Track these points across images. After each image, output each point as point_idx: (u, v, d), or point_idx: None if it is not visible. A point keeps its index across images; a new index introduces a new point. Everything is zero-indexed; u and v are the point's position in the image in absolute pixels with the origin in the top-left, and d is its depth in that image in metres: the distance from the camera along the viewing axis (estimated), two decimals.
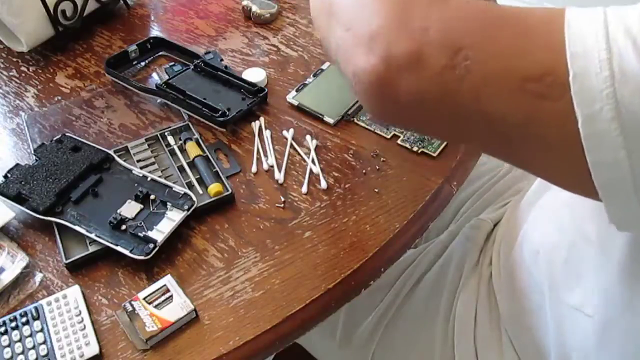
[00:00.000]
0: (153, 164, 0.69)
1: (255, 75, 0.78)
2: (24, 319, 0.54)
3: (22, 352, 0.52)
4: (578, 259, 0.53)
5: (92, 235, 0.59)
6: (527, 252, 0.62)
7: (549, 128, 0.31)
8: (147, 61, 0.85)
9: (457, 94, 0.34)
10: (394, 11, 0.36)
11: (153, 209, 0.62)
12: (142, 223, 0.60)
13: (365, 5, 0.38)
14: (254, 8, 0.90)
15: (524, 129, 0.33)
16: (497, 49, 0.33)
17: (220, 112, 0.73)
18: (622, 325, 0.50)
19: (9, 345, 0.52)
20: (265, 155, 0.70)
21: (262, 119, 0.74)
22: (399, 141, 0.69)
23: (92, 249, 0.60)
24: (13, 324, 0.54)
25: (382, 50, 0.35)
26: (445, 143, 0.68)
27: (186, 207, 0.61)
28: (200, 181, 0.66)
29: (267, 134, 0.72)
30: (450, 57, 0.33)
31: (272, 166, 0.68)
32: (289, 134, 0.72)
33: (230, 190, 0.64)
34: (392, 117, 0.42)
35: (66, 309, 0.55)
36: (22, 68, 0.86)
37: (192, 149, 0.69)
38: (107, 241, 0.59)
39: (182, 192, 0.63)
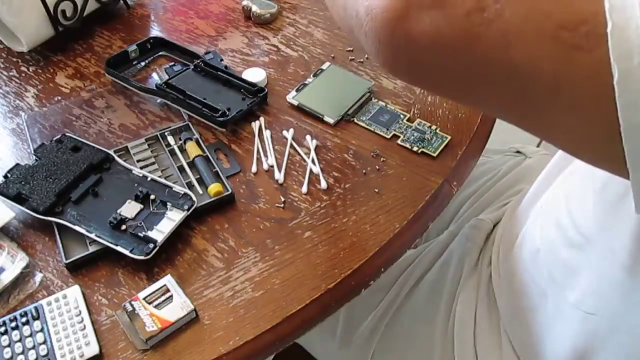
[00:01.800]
0: (153, 164, 0.69)
1: (255, 75, 0.78)
2: (24, 319, 0.54)
3: (22, 352, 0.52)
4: (577, 260, 0.53)
5: (92, 235, 0.59)
6: (526, 252, 0.62)
7: (581, 83, 0.29)
8: (147, 61, 0.85)
9: (483, 40, 0.30)
10: None
11: (153, 209, 0.62)
12: (142, 223, 0.60)
13: None
14: (254, 8, 0.90)
15: (553, 83, 0.30)
16: None
17: (220, 112, 0.73)
18: (622, 324, 0.50)
19: (9, 345, 0.52)
20: (265, 155, 0.70)
21: (262, 119, 0.74)
22: (399, 141, 0.69)
23: (92, 249, 0.60)
24: (13, 324, 0.54)
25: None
26: (445, 143, 0.68)
27: (186, 207, 0.61)
28: (200, 181, 0.66)
29: (267, 134, 0.72)
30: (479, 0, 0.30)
31: (272, 166, 0.68)
32: (289, 134, 0.72)
33: (230, 190, 0.64)
34: (405, 66, 0.36)
35: (66, 309, 0.55)
36: (22, 68, 0.86)
37: (192, 149, 0.69)
38: (107, 241, 0.59)
39: (182, 192, 0.63)
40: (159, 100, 0.78)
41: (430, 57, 0.33)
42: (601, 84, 0.28)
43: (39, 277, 0.58)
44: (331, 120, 0.72)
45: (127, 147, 0.70)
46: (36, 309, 0.55)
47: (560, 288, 0.56)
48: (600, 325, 0.52)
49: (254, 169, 0.68)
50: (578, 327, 0.54)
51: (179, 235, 0.61)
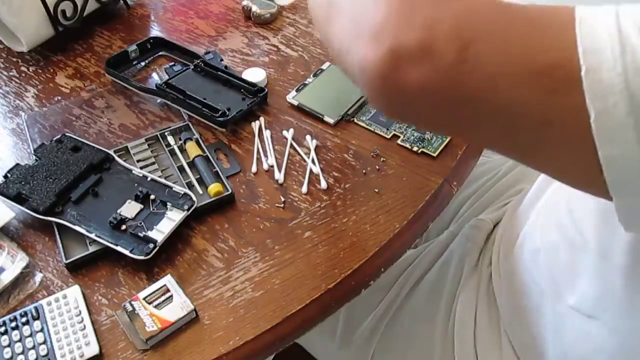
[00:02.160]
0: (153, 164, 0.69)
1: (255, 75, 0.78)
2: (24, 319, 0.54)
3: (22, 352, 0.52)
4: (578, 261, 0.53)
5: (92, 235, 0.59)
6: (527, 253, 0.62)
7: (562, 122, 0.31)
8: (147, 61, 0.85)
9: (467, 87, 0.33)
10: (400, 3, 0.35)
11: (153, 209, 0.62)
12: (142, 223, 0.60)
13: (365, 1, 0.37)
14: (254, 8, 0.90)
15: (537, 123, 0.32)
16: (508, 44, 0.33)
17: (220, 112, 0.73)
18: (620, 327, 0.50)
19: (9, 345, 0.52)
20: (265, 155, 0.70)
21: (262, 119, 0.74)
22: (399, 141, 0.69)
23: (92, 249, 0.60)
24: (13, 324, 0.54)
25: (390, 40, 0.34)
26: (445, 143, 0.68)
27: (186, 207, 0.61)
28: (200, 181, 0.66)
29: (267, 134, 0.72)
30: (460, 51, 0.33)
31: (272, 166, 0.68)
32: (289, 134, 0.72)
33: (230, 190, 0.64)
34: (399, 111, 0.39)
35: (66, 309, 0.55)
36: (22, 68, 0.86)
37: (192, 149, 0.69)
38: (107, 241, 0.59)
39: (182, 192, 0.63)
40: (159, 100, 0.78)
41: (421, 103, 0.35)
42: (581, 122, 0.30)
43: (39, 277, 0.58)
44: (331, 120, 0.72)
45: (127, 147, 0.70)
46: (36, 309, 0.55)
47: (560, 290, 0.56)
48: (600, 329, 0.52)
49: (254, 169, 0.68)
50: (578, 329, 0.54)
51: (179, 235, 0.61)
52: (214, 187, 0.64)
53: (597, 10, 0.31)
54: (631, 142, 0.29)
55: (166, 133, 0.72)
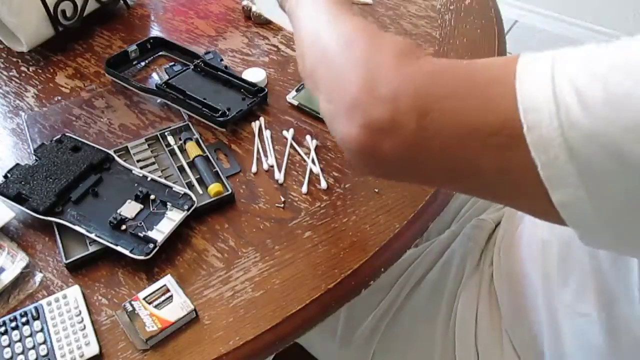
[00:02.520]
0: (153, 164, 0.69)
1: (255, 75, 0.78)
2: (24, 319, 0.54)
3: (22, 352, 0.52)
4: (571, 259, 0.54)
5: (92, 235, 0.59)
6: (525, 251, 0.62)
7: (516, 174, 0.34)
8: (147, 61, 0.85)
9: (431, 151, 0.38)
10: (365, 80, 0.40)
11: (153, 209, 0.62)
12: (142, 223, 0.60)
13: (340, 77, 0.42)
14: (254, 8, 0.90)
15: (494, 176, 0.36)
16: (460, 109, 0.36)
17: (220, 112, 0.73)
18: (614, 325, 0.51)
19: (9, 345, 0.52)
20: (265, 155, 0.70)
21: (262, 119, 0.74)
22: None
23: (92, 249, 0.60)
24: (13, 324, 0.54)
25: (361, 119, 0.39)
26: None
27: (186, 207, 0.61)
28: (200, 181, 0.66)
29: (267, 134, 0.72)
30: (419, 120, 0.37)
31: (272, 166, 0.68)
32: (289, 134, 0.72)
33: (230, 190, 0.64)
34: (380, 174, 0.48)
35: (66, 309, 0.55)
36: (22, 68, 0.86)
37: (192, 149, 0.69)
38: (107, 241, 0.59)
39: (182, 192, 0.63)
40: (159, 100, 0.78)
41: (397, 167, 0.41)
42: (532, 172, 0.33)
43: (39, 277, 0.58)
44: None
45: (127, 147, 0.70)
46: (36, 309, 0.55)
47: (554, 287, 0.56)
48: (594, 327, 0.52)
49: (254, 169, 0.68)
50: (572, 327, 0.55)
51: (179, 235, 0.61)
52: (214, 187, 0.64)
53: (536, 64, 0.34)
54: (577, 187, 0.32)
55: (166, 133, 0.72)
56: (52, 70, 0.85)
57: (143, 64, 0.85)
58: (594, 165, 0.31)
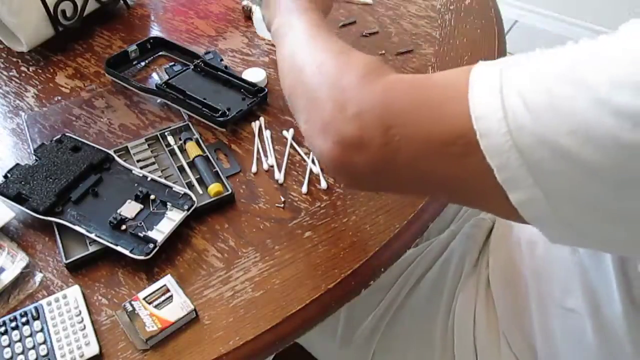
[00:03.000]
0: (153, 164, 0.69)
1: (255, 75, 0.78)
2: (24, 319, 0.54)
3: (22, 352, 0.52)
4: (555, 257, 0.55)
5: (92, 235, 0.59)
6: (515, 251, 0.63)
7: (476, 180, 0.37)
8: (147, 61, 0.85)
9: (397, 164, 0.40)
10: (334, 100, 0.43)
11: (153, 209, 0.62)
12: (142, 223, 0.60)
13: (313, 98, 0.46)
14: (254, 8, 0.90)
15: (458, 182, 0.39)
16: (417, 122, 0.39)
17: (220, 112, 0.73)
18: (602, 322, 0.51)
19: (9, 345, 0.52)
20: (265, 155, 0.70)
21: (262, 119, 0.74)
22: None
23: (92, 249, 0.60)
24: (13, 324, 0.54)
25: (333, 137, 0.43)
26: None
27: (186, 207, 0.61)
28: (200, 181, 0.66)
29: (267, 134, 0.72)
30: (383, 135, 0.40)
31: (272, 166, 0.68)
32: (289, 134, 0.72)
33: (230, 190, 0.64)
34: (357, 187, 0.56)
35: (66, 309, 0.55)
36: (22, 68, 0.86)
37: (192, 149, 0.69)
38: (107, 241, 0.59)
39: (182, 192, 0.63)
40: (159, 100, 0.78)
41: (371, 179, 0.44)
42: (489, 175, 0.35)
43: (39, 277, 0.58)
44: None
45: (127, 147, 0.70)
46: (36, 309, 0.55)
47: (544, 286, 0.57)
48: (583, 324, 0.52)
49: (254, 169, 0.68)
50: (563, 326, 0.55)
51: (179, 235, 0.61)
52: (214, 187, 0.64)
53: (486, 75, 0.36)
54: (532, 187, 0.34)
55: (166, 133, 0.72)
56: (52, 70, 0.85)
57: (143, 64, 0.85)
58: (545, 166, 0.33)
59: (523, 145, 0.33)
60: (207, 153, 0.69)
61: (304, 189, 0.65)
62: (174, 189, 0.64)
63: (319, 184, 0.66)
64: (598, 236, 0.35)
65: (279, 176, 0.67)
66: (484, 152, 0.34)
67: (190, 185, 0.66)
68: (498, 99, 0.34)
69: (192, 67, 0.80)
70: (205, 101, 0.74)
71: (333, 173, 0.50)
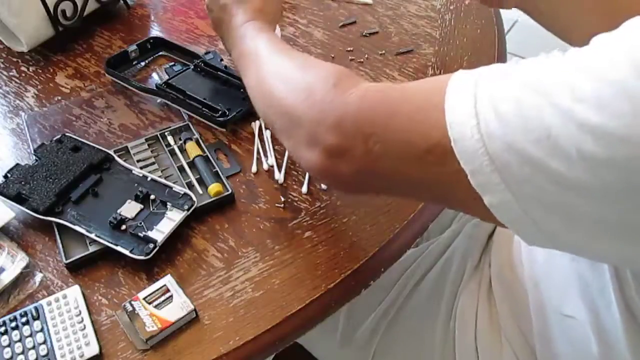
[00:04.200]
0: (153, 164, 0.69)
1: None
2: (24, 319, 0.54)
3: (22, 352, 0.52)
4: (554, 262, 0.55)
5: (92, 235, 0.59)
6: (516, 252, 0.63)
7: (454, 184, 0.38)
8: (147, 61, 0.85)
9: (379, 170, 0.42)
10: (310, 116, 0.45)
11: (153, 209, 0.62)
12: (142, 223, 0.60)
13: (290, 119, 0.48)
14: None
15: (437, 186, 0.40)
16: (396, 131, 0.40)
17: (220, 112, 0.73)
18: (599, 325, 0.51)
19: (9, 345, 0.52)
20: (265, 155, 0.70)
21: (262, 119, 0.74)
22: None
23: (92, 249, 0.60)
24: (13, 324, 0.54)
25: (316, 149, 0.44)
26: None
27: (186, 207, 0.61)
28: (200, 181, 0.66)
29: (267, 134, 0.72)
30: (364, 143, 0.41)
31: (272, 166, 0.68)
32: None
33: (230, 190, 0.64)
34: (346, 191, 0.60)
35: (66, 309, 0.55)
36: (22, 68, 0.86)
37: (192, 149, 0.69)
38: (107, 241, 0.59)
39: (182, 192, 0.63)
40: (159, 100, 0.78)
41: (357, 184, 0.47)
42: (464, 179, 0.36)
43: (39, 277, 0.58)
44: None
45: (127, 147, 0.70)
46: (36, 309, 0.55)
47: (543, 291, 0.57)
48: (580, 328, 0.52)
49: (254, 169, 0.68)
50: (562, 332, 0.55)
51: (179, 235, 0.61)
52: (214, 187, 0.64)
53: (462, 83, 0.37)
54: (503, 191, 0.35)
55: (166, 133, 0.72)
56: (52, 70, 0.85)
57: (143, 64, 0.85)
58: (514, 171, 0.34)
59: (493, 152, 0.34)
60: (207, 153, 0.69)
61: (304, 189, 0.65)
62: (174, 189, 0.64)
63: (319, 184, 0.66)
64: (566, 240, 0.37)
65: (279, 176, 0.67)
66: (458, 158, 0.36)
67: (190, 185, 0.66)
68: (472, 107, 0.35)
69: (192, 67, 0.80)
70: (205, 101, 0.74)
71: (322, 181, 0.53)
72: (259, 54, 0.57)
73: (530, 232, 0.37)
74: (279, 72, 0.53)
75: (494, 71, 0.37)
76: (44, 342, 0.52)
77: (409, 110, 0.40)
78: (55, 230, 0.61)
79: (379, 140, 0.41)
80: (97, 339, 0.53)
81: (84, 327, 0.53)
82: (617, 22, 0.34)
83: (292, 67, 0.52)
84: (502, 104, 0.34)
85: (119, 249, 0.58)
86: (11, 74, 0.85)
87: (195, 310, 0.54)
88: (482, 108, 0.35)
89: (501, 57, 0.82)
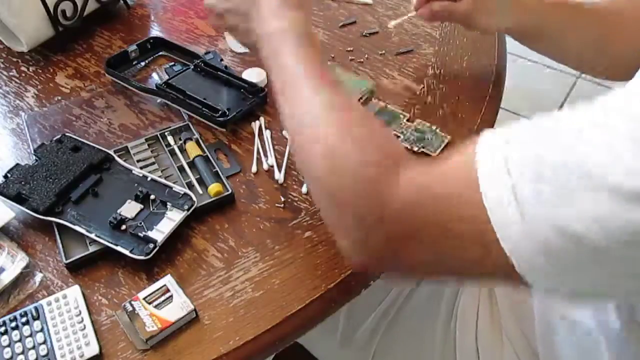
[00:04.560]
0: (153, 164, 0.69)
1: (255, 75, 0.78)
2: (24, 319, 0.54)
3: (22, 352, 0.52)
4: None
5: (92, 235, 0.59)
6: None
7: (497, 269, 0.37)
8: (147, 61, 0.85)
9: (421, 267, 0.43)
10: (359, 217, 0.43)
11: (153, 209, 0.62)
12: (142, 223, 0.60)
13: (333, 202, 0.45)
14: (226, 34, 0.89)
15: (478, 272, 0.40)
16: (438, 235, 0.39)
17: (220, 112, 0.73)
18: (600, 330, 0.51)
19: (9, 345, 0.52)
20: (265, 155, 0.70)
21: (262, 119, 0.74)
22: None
23: (92, 249, 0.60)
24: (13, 324, 0.54)
25: (365, 254, 0.44)
26: (445, 143, 0.68)
27: (186, 207, 0.61)
28: (200, 181, 0.66)
29: (267, 134, 0.72)
30: (411, 238, 0.40)
31: (272, 166, 0.68)
32: (289, 134, 0.72)
33: (230, 190, 0.64)
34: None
35: (66, 309, 0.55)
36: (22, 68, 0.86)
37: (192, 149, 0.69)
38: (107, 241, 0.59)
39: (182, 192, 0.63)
40: (159, 100, 0.78)
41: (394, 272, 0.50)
42: (508, 265, 0.36)
43: (39, 277, 0.58)
44: None
45: (127, 147, 0.70)
46: (36, 309, 0.55)
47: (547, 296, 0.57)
48: (588, 335, 0.52)
49: (254, 169, 0.68)
50: (566, 334, 0.55)
51: (179, 235, 0.61)
52: (214, 187, 0.64)
53: (494, 164, 0.36)
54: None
55: (166, 133, 0.72)
56: (52, 70, 0.85)
57: (143, 64, 0.85)
58: (553, 248, 0.34)
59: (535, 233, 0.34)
60: (207, 153, 0.69)
61: (304, 189, 0.65)
62: (174, 189, 0.64)
63: None
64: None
65: (279, 176, 0.67)
66: (502, 245, 0.35)
67: (190, 185, 0.66)
68: (510, 191, 0.35)
69: (192, 67, 0.80)
70: (205, 101, 0.74)
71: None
72: (298, 84, 0.50)
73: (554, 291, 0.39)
74: (327, 134, 0.46)
75: (523, 138, 0.36)
76: (44, 342, 0.52)
77: (449, 213, 0.39)
78: (55, 230, 0.61)
79: (424, 239, 0.40)
80: (97, 339, 0.53)
81: (84, 327, 0.53)
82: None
83: (339, 126, 0.46)
84: (538, 186, 0.34)
85: (119, 249, 0.58)
86: (11, 74, 0.85)
87: (195, 310, 0.54)
88: (520, 192, 0.35)
89: (501, 57, 0.82)
